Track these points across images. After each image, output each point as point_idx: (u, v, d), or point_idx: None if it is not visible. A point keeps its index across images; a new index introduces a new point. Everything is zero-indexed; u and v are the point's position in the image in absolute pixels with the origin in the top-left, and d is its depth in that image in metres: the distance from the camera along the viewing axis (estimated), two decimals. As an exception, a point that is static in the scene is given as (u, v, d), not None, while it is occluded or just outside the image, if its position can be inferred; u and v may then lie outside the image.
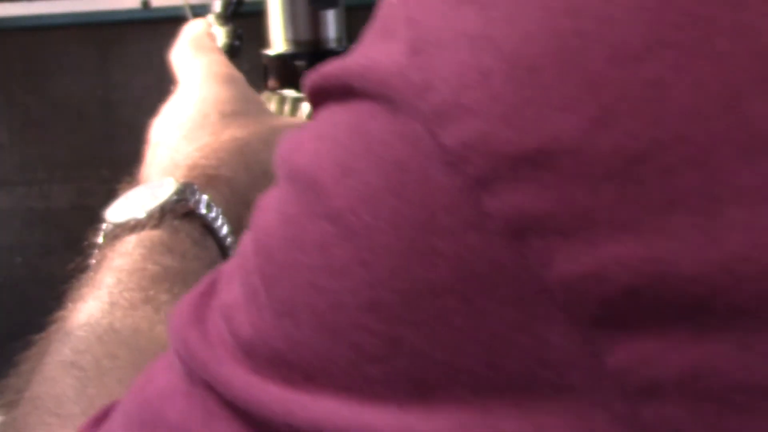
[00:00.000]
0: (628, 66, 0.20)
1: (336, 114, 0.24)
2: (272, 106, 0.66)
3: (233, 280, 0.27)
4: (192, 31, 0.59)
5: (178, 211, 0.47)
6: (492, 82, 0.20)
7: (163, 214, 0.47)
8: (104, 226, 0.48)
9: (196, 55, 0.57)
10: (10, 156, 1.47)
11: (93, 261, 0.47)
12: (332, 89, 0.24)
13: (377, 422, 0.22)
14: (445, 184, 0.21)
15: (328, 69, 0.25)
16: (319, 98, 0.25)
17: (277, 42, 0.69)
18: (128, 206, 0.48)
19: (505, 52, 0.20)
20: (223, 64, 0.57)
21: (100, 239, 0.48)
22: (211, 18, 0.68)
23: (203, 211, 0.47)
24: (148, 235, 0.46)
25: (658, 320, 0.20)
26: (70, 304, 0.44)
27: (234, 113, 0.53)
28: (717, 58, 0.19)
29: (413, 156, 0.21)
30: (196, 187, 0.48)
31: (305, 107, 0.66)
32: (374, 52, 0.23)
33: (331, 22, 0.69)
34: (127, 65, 1.43)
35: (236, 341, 0.25)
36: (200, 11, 0.69)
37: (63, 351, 0.40)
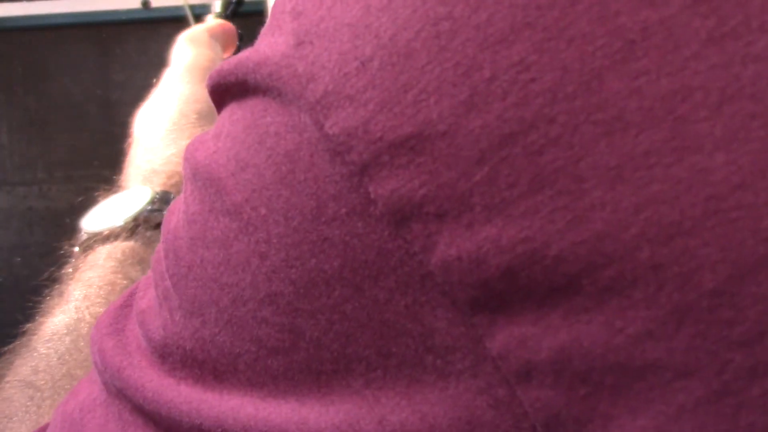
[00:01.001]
0: (495, 48, 0.20)
1: (234, 112, 0.25)
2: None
3: (149, 286, 0.27)
4: (198, 27, 0.60)
5: (152, 221, 0.47)
6: (371, 69, 0.21)
7: (136, 225, 0.47)
8: (80, 235, 0.48)
9: (187, 46, 0.57)
10: (10, 156, 1.47)
11: (66, 271, 0.47)
12: (230, 86, 0.25)
13: (276, 417, 0.23)
14: (331, 173, 0.21)
15: (225, 66, 0.25)
16: (219, 97, 0.26)
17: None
18: (104, 215, 0.48)
19: (382, 39, 0.21)
20: (208, 59, 0.57)
21: (75, 248, 0.48)
22: (211, 18, 0.68)
23: None
24: (120, 246, 0.46)
25: (533, 302, 0.20)
26: (39, 317, 0.44)
27: (212, 113, 0.52)
28: (577, 38, 0.19)
29: (301, 147, 0.22)
30: (172, 195, 0.48)
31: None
32: (264, 46, 0.23)
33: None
34: (127, 65, 1.43)
35: (150, 345, 0.25)
36: (200, 11, 0.69)
37: (23, 370, 0.41)
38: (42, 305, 0.45)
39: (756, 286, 0.19)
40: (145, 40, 1.41)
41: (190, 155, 0.26)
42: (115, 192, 0.51)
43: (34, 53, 1.44)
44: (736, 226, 0.19)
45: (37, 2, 1.42)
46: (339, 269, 0.21)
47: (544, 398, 0.20)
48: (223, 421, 0.23)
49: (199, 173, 0.25)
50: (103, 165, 1.42)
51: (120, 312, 0.28)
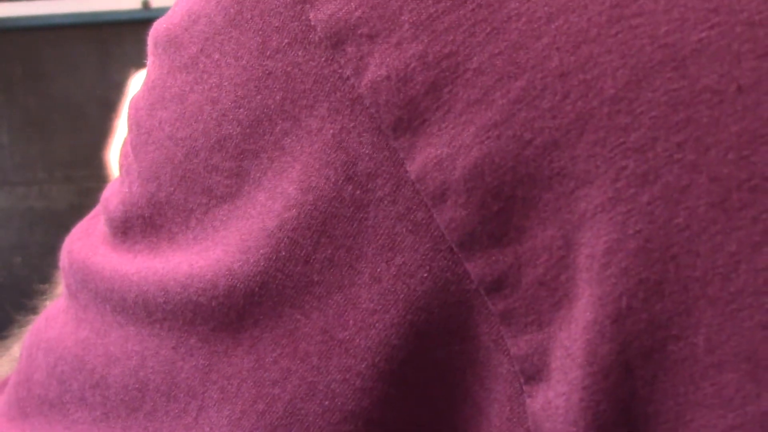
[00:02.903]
0: None
1: None
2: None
3: (114, 182, 0.28)
4: None
5: None
6: None
7: None
8: None
9: None
10: (10, 156, 1.47)
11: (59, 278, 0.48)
12: None
13: (207, 272, 0.23)
14: (276, 5, 0.22)
15: None
16: None
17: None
18: None
19: None
20: None
21: None
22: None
23: None
24: None
25: (450, 120, 0.21)
26: (32, 317, 0.45)
27: None
28: None
29: None
30: None
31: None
32: None
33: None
34: (127, 65, 1.43)
35: (112, 227, 0.26)
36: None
37: (14, 348, 0.42)
38: (37, 307, 0.46)
39: (651, 92, 0.19)
40: (145, 40, 1.41)
41: (152, 33, 0.27)
42: None
43: (34, 53, 1.44)
44: (636, 32, 0.19)
45: (37, 2, 1.42)
46: (281, 102, 0.22)
47: (458, 218, 0.21)
48: (165, 283, 0.24)
49: (159, 42, 0.26)
50: (103, 165, 1.42)
51: (90, 222, 0.29)
